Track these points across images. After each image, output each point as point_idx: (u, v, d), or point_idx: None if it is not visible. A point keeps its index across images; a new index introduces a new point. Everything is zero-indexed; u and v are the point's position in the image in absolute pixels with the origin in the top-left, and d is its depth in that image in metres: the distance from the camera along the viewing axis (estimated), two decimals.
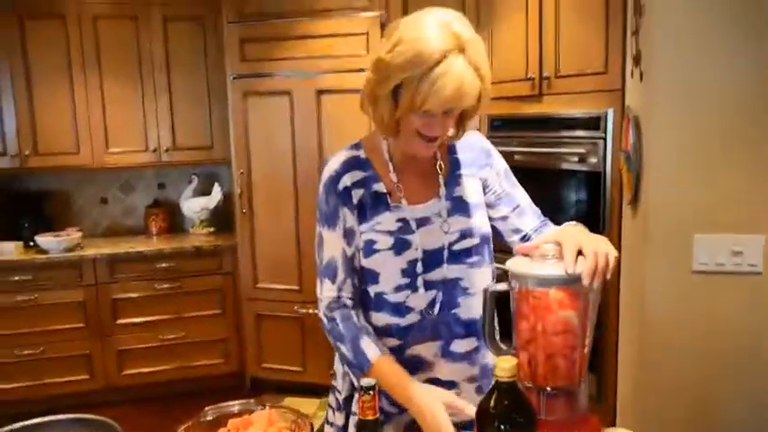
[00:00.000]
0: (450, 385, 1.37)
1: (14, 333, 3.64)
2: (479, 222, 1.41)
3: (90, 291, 3.75)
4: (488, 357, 1.41)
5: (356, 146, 1.43)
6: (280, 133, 3.64)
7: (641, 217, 2.16)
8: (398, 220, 1.36)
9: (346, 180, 1.37)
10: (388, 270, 1.35)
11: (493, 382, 0.95)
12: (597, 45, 2.65)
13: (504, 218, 1.45)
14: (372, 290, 1.38)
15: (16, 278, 3.63)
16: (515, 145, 3.11)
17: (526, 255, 1.14)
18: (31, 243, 3.83)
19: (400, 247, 1.34)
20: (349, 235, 1.38)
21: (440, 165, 1.41)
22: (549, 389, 1.07)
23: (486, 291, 1.14)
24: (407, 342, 1.36)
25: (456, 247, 1.37)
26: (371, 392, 1.02)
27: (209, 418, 1.18)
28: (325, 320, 1.39)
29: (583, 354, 1.08)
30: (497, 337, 1.18)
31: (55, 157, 3.89)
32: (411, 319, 1.36)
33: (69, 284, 3.72)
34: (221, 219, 4.29)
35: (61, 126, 3.87)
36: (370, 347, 1.30)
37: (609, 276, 1.09)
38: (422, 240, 1.35)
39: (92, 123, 3.90)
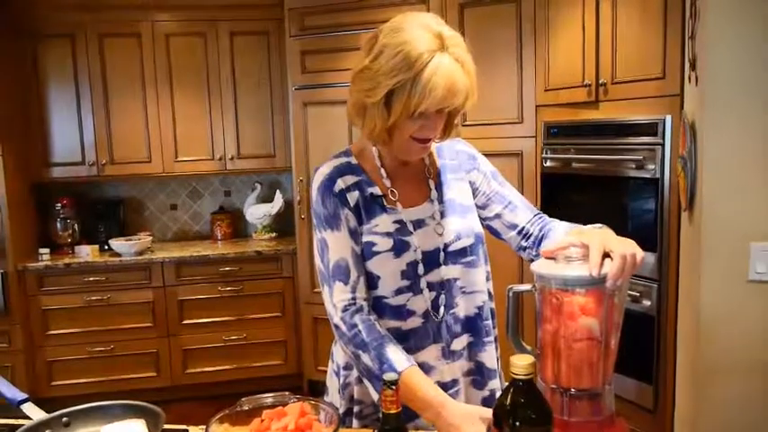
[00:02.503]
0: (452, 384, 1.38)
1: (87, 331, 3.88)
2: (472, 223, 1.43)
3: (158, 292, 3.94)
4: (481, 354, 1.42)
5: (344, 153, 1.43)
6: (338, 141, 3.71)
7: (696, 224, 2.10)
8: (395, 222, 1.36)
9: (340, 183, 1.36)
10: (388, 273, 1.34)
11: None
12: (655, 50, 2.60)
13: (498, 215, 1.47)
14: (372, 295, 1.36)
15: (91, 279, 3.86)
16: (572, 152, 3.07)
17: (551, 257, 1.14)
18: (106, 247, 4.06)
19: (400, 248, 1.34)
20: (354, 234, 1.35)
21: (429, 169, 1.44)
22: (572, 390, 1.07)
23: (509, 290, 1.15)
24: (410, 347, 1.34)
25: (452, 247, 1.38)
26: (394, 387, 1.05)
27: (245, 408, 1.23)
28: (344, 327, 1.30)
29: (608, 356, 1.07)
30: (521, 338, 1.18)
31: (129, 166, 4.11)
32: (413, 323, 1.36)
33: (139, 286, 3.92)
34: (282, 225, 4.41)
35: (134, 136, 4.10)
36: (398, 356, 1.24)
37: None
38: (419, 242, 1.36)
39: (162, 134, 4.11)
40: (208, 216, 4.53)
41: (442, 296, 1.38)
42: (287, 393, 1.28)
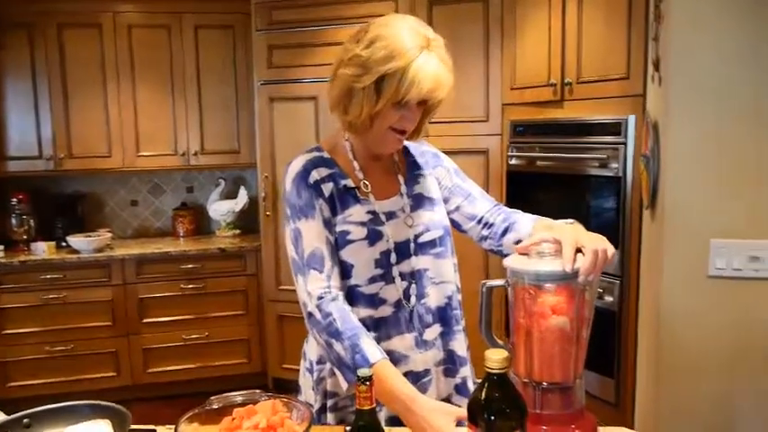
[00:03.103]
0: (424, 374, 1.41)
1: (45, 330, 3.77)
2: (440, 216, 1.49)
3: (118, 290, 3.85)
4: (452, 343, 1.46)
5: (316, 149, 1.47)
6: (305, 138, 3.69)
7: (658, 222, 2.14)
8: (369, 212, 1.40)
9: (315, 174, 1.39)
10: (363, 261, 1.37)
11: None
12: (619, 51, 2.65)
13: (458, 207, 1.53)
14: (345, 284, 1.38)
15: (48, 276, 3.75)
16: (537, 150, 3.11)
17: (524, 253, 1.15)
18: (63, 243, 3.95)
19: (374, 237, 1.38)
20: (327, 224, 1.37)
21: (397, 165, 1.50)
22: (545, 384, 1.08)
23: (483, 286, 1.16)
24: (381, 336, 1.37)
25: (421, 239, 1.43)
26: (368, 383, 1.04)
27: (215, 406, 1.21)
28: (318, 315, 1.30)
29: (579, 351, 1.09)
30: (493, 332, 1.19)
31: (88, 160, 4.01)
32: (384, 311, 1.38)
33: (98, 284, 3.83)
34: (247, 221, 4.36)
35: (95, 130, 3.99)
36: (371, 347, 1.25)
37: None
38: (391, 232, 1.40)
39: (124, 128, 4.02)
40: (170, 212, 4.45)
41: (413, 286, 1.41)
42: (258, 391, 1.27)
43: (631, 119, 2.64)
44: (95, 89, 3.96)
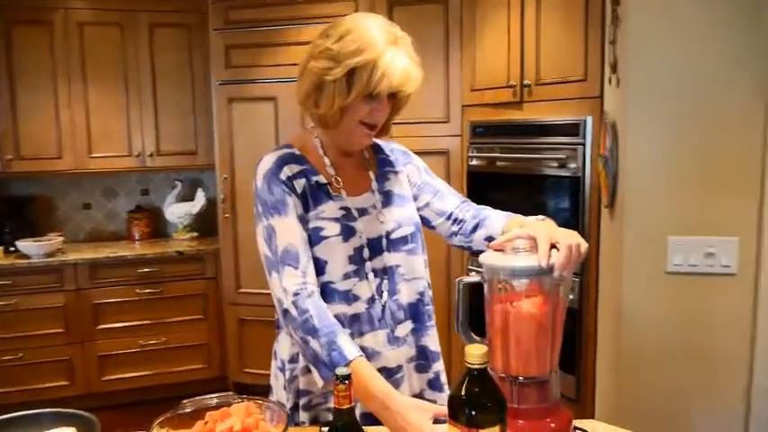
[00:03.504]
0: (397, 370, 1.41)
1: None
2: (411, 212, 1.51)
3: (71, 296, 3.73)
4: (424, 339, 1.47)
5: (286, 146, 1.46)
6: (264, 138, 3.66)
7: (618, 220, 2.20)
8: (341, 208, 1.40)
9: (287, 171, 1.39)
10: (337, 257, 1.37)
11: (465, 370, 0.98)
12: (577, 53, 2.70)
13: (428, 204, 1.55)
14: (319, 281, 1.37)
15: None
16: (497, 151, 3.15)
17: (499, 249, 1.17)
18: (12, 248, 3.80)
19: (347, 233, 1.38)
20: (302, 221, 1.37)
21: (368, 162, 1.51)
22: (521, 378, 1.09)
23: (459, 282, 1.17)
24: (355, 332, 1.38)
25: (393, 235, 1.44)
26: (347, 382, 1.04)
27: (187, 410, 1.19)
28: (294, 311, 1.28)
29: (554, 345, 1.10)
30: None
31: (38, 162, 3.88)
32: (357, 308, 1.38)
33: (50, 289, 3.70)
34: (205, 224, 4.29)
35: (44, 131, 3.86)
36: (348, 345, 1.25)
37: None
38: (364, 229, 1.40)
39: (75, 128, 3.90)
40: (124, 215, 4.34)
41: (386, 282, 1.42)
42: (230, 393, 1.25)
43: (589, 120, 2.70)
44: (45, 88, 3.83)
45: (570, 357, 2.79)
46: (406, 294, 1.44)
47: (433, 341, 1.49)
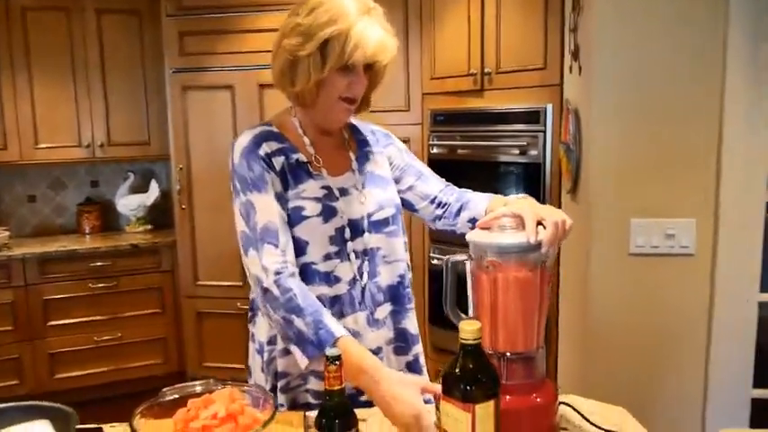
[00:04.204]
0: (376, 352, 1.40)
1: None
2: (392, 194, 1.49)
3: (19, 292, 3.58)
4: (404, 321, 1.47)
5: (264, 124, 1.44)
6: (221, 128, 3.59)
7: (582, 204, 2.25)
8: (323, 188, 1.38)
9: (265, 148, 1.36)
10: (317, 238, 1.35)
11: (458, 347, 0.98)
12: (537, 42, 2.74)
13: (411, 187, 1.55)
14: (299, 262, 1.34)
15: None
16: (458, 139, 3.18)
17: (485, 228, 1.17)
18: None
19: (328, 213, 1.36)
20: (281, 200, 1.34)
21: (348, 142, 1.49)
22: (508, 354, 1.10)
23: (447, 261, 1.17)
24: (335, 314, 1.35)
25: (374, 217, 1.42)
26: (338, 362, 1.03)
27: (168, 398, 1.16)
28: (276, 290, 1.25)
29: (540, 321, 1.12)
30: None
31: None
32: (339, 289, 1.36)
33: None
34: (159, 216, 4.19)
35: None
36: (334, 324, 1.23)
37: None
38: (345, 209, 1.39)
39: (20, 118, 3.73)
40: (73, 208, 4.19)
41: (366, 263, 1.40)
42: (212, 380, 1.22)
43: (549, 107, 2.74)
44: None
45: None
46: (386, 276, 1.43)
47: (412, 324, 1.49)
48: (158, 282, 3.86)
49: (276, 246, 1.29)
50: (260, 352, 1.45)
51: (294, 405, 1.41)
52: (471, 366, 0.96)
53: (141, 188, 4.18)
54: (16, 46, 3.68)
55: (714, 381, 2.07)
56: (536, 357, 1.12)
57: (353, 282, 1.38)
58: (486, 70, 2.97)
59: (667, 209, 2.06)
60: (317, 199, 1.36)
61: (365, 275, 1.40)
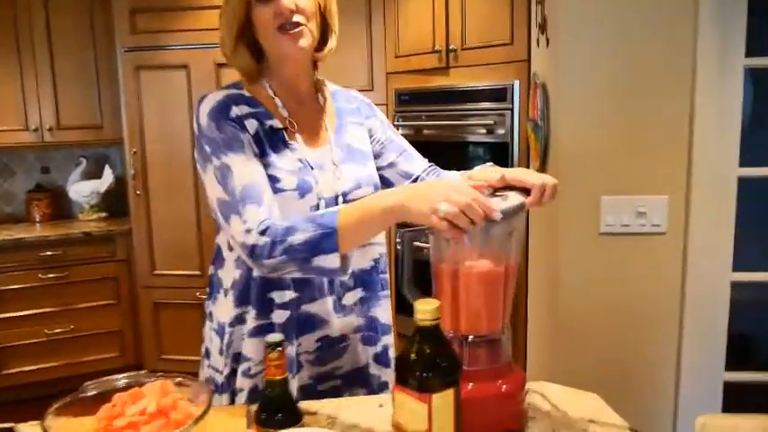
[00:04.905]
0: (342, 339, 1.31)
1: None
2: (371, 171, 1.37)
3: None
4: (375, 309, 1.36)
5: (233, 85, 1.31)
6: (176, 109, 3.42)
7: None
8: (298, 160, 1.26)
9: (236, 110, 1.23)
10: (290, 215, 1.21)
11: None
12: (502, 17, 2.64)
13: (392, 164, 1.43)
14: None
15: None
16: (423, 119, 3.07)
17: None
18: None
19: (303, 188, 1.24)
20: (259, 159, 1.22)
21: (325, 111, 1.36)
22: (471, 338, 1.00)
23: (402, 234, 1.05)
24: (304, 298, 1.26)
25: (351, 195, 1.30)
26: (280, 349, 0.92)
27: (90, 393, 1.03)
28: (262, 240, 1.10)
29: (506, 301, 1.02)
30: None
31: None
32: None
33: None
34: (114, 203, 4.00)
35: None
36: (327, 211, 1.13)
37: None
38: (320, 185, 1.26)
39: None
40: (22, 195, 3.98)
41: None
42: (143, 372, 1.10)
43: (516, 84, 2.65)
44: None
45: None
46: (358, 260, 1.31)
47: (384, 312, 1.37)
48: (113, 271, 3.68)
49: (259, 205, 1.14)
50: (219, 333, 1.33)
51: (255, 392, 1.29)
52: (428, 351, 0.85)
53: (95, 174, 3.99)
54: None
55: (687, 363, 2.01)
56: (501, 340, 1.01)
57: None
58: (451, 47, 2.86)
59: (638, 186, 1.97)
60: (292, 172, 1.23)
61: (352, 253, 1.25)
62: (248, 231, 1.12)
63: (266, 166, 1.21)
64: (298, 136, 1.28)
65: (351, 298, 1.32)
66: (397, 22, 3.17)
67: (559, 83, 2.02)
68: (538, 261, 2.41)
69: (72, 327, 3.61)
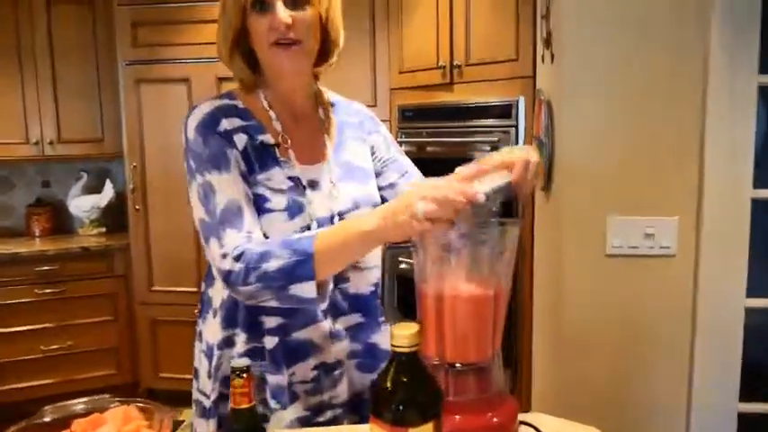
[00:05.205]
0: (337, 365, 1.22)
1: None
2: (371, 190, 1.29)
3: None
4: (375, 336, 1.28)
5: (227, 96, 1.24)
6: (177, 123, 3.31)
7: (554, 202, 2.07)
8: (290, 178, 1.18)
9: (225, 124, 1.17)
10: (277, 236, 1.14)
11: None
12: (508, 32, 2.59)
13: (393, 185, 1.34)
14: None
15: None
16: (426, 135, 3.01)
17: None
18: None
19: (294, 210, 1.16)
20: (244, 178, 1.15)
21: (324, 125, 1.28)
22: (458, 365, 0.91)
23: (384, 252, 0.98)
24: (296, 324, 1.17)
25: (347, 216, 1.21)
26: (244, 375, 0.84)
27: (47, 419, 0.95)
28: (237, 266, 1.06)
29: (497, 324, 0.93)
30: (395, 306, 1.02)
31: None
32: None
33: None
34: (114, 218, 3.95)
35: None
36: (304, 235, 1.08)
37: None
38: (314, 206, 1.18)
39: None
40: (22, 210, 3.94)
41: None
42: (107, 396, 1.02)
43: (521, 101, 2.59)
44: None
45: (505, 349, 2.66)
46: (355, 284, 1.22)
47: (384, 338, 1.28)
48: (111, 287, 3.62)
49: (239, 229, 1.09)
50: (208, 354, 1.26)
51: None
52: (405, 380, 0.76)
53: (96, 188, 3.95)
54: None
55: (698, 393, 1.90)
56: (491, 368, 0.93)
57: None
58: (455, 63, 2.80)
59: (647, 206, 1.88)
60: (281, 191, 1.15)
61: (330, 281, 1.18)
62: (224, 256, 1.08)
63: (254, 184, 1.15)
64: (291, 152, 1.20)
65: (345, 323, 1.23)
66: (401, 37, 3.12)
67: (564, 98, 1.94)
68: (541, 283, 2.32)
69: (69, 343, 3.54)
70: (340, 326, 1.23)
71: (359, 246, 1.04)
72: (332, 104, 1.34)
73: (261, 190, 1.15)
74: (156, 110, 3.41)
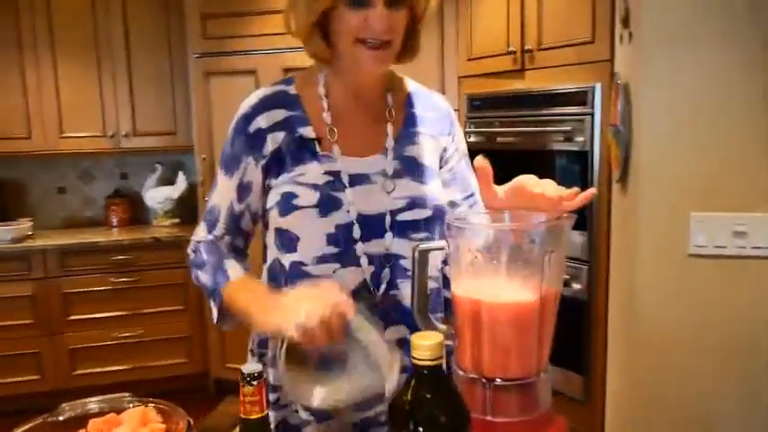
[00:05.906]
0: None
1: None
2: (434, 191, 1.14)
3: (39, 284, 3.46)
4: None
5: (286, 81, 1.17)
6: None
7: (631, 195, 1.90)
8: (327, 173, 1.08)
9: (260, 122, 1.11)
10: (310, 235, 1.07)
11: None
12: (583, 13, 2.41)
13: (453, 203, 1.20)
14: (287, 259, 1.09)
15: None
16: (497, 125, 2.86)
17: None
18: None
19: (328, 205, 1.06)
20: (243, 190, 1.14)
21: (390, 112, 1.16)
22: (497, 380, 0.80)
23: (415, 250, 0.87)
24: None
25: (400, 216, 1.10)
26: (255, 382, 0.76)
27: (61, 417, 0.91)
28: (192, 255, 1.20)
29: (543, 335, 0.81)
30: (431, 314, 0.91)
31: (4, 143, 3.60)
32: None
33: (17, 277, 3.42)
34: (187, 209, 4.01)
35: (10, 108, 3.57)
36: (235, 268, 1.13)
37: None
38: (357, 202, 1.08)
39: (44, 106, 3.61)
40: (102, 200, 4.08)
41: (386, 271, 1.09)
42: (127, 395, 0.97)
43: (597, 87, 2.41)
44: (10, 62, 3.53)
45: (577, 354, 2.49)
46: (406, 294, 1.09)
47: None
48: (182, 277, 3.66)
49: (210, 231, 1.20)
50: (252, 353, 1.22)
51: (286, 427, 1.14)
52: (428, 398, 0.66)
53: (170, 180, 4.03)
54: (40, 30, 3.55)
55: None
56: (537, 384, 0.81)
57: (359, 293, 1.06)
58: (526, 47, 2.64)
59: (736, 202, 1.68)
60: (315, 186, 1.07)
61: (383, 287, 1.09)
62: (192, 240, 1.22)
63: (282, 182, 1.09)
64: (335, 147, 1.10)
65: (393, 334, 1.09)
66: (469, 21, 2.99)
67: (642, 82, 1.77)
68: (617, 288, 2.15)
69: (141, 331, 3.62)
70: (388, 337, 1.09)
71: (244, 317, 1.06)
72: (409, 94, 1.21)
73: (290, 187, 1.08)
74: (225, 102, 3.41)
